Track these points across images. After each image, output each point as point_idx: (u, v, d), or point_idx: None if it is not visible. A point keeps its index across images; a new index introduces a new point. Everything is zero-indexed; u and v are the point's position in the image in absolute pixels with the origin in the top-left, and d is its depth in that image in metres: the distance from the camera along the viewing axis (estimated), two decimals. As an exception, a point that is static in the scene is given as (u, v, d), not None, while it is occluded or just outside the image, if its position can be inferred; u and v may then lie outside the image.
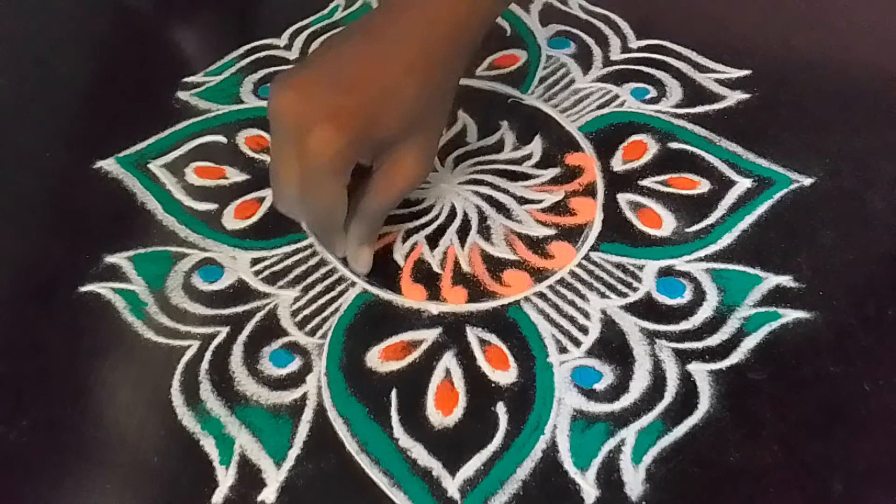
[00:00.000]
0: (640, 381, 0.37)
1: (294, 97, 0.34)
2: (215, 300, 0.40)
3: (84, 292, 0.40)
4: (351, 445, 0.35)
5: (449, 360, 0.37)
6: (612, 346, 0.38)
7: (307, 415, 0.36)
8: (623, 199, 0.44)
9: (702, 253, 0.41)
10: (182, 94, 0.50)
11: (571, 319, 0.39)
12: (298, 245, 0.42)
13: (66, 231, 0.44)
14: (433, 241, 0.42)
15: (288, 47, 0.53)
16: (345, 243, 0.40)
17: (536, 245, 0.42)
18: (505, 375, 0.37)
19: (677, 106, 0.48)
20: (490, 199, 0.44)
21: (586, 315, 0.39)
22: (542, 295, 0.40)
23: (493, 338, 0.38)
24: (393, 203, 0.38)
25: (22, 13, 0.56)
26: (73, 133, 0.49)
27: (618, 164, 0.46)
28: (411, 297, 0.40)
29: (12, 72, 0.52)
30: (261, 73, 0.51)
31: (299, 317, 0.39)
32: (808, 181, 0.44)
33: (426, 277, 0.41)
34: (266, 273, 0.41)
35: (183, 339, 0.38)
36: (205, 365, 0.37)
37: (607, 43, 0.52)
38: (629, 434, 0.35)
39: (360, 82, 0.34)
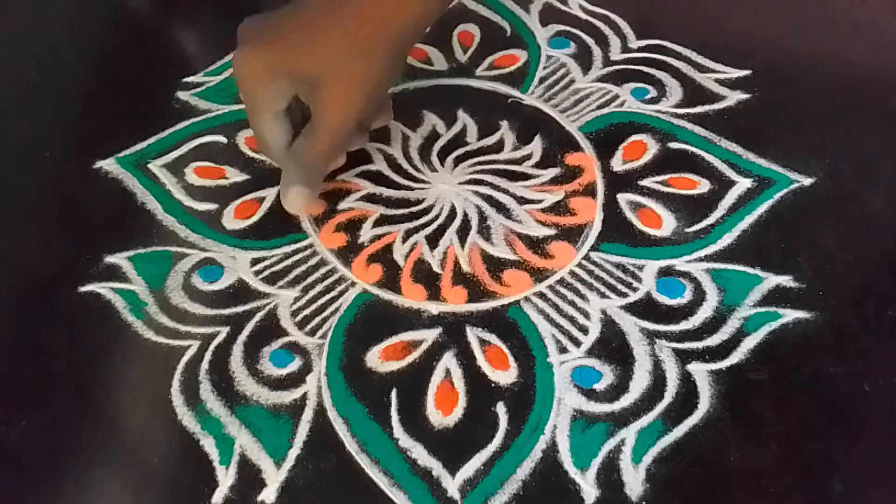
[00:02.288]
0: (640, 381, 0.37)
1: (244, 48, 0.39)
2: (215, 300, 0.40)
3: (84, 292, 0.40)
4: (351, 445, 0.35)
5: (449, 360, 0.37)
6: (612, 346, 0.38)
7: (307, 415, 0.36)
8: (623, 199, 0.44)
9: (702, 253, 0.41)
10: (182, 94, 0.50)
11: (571, 319, 0.39)
12: (298, 245, 0.42)
13: (66, 231, 0.43)
14: (433, 241, 0.42)
15: (288, 47, 0.53)
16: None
17: (536, 245, 0.42)
18: (505, 375, 0.37)
19: (677, 106, 0.48)
20: (490, 199, 0.44)
21: (586, 315, 0.39)
22: (542, 295, 0.40)
23: (493, 338, 0.38)
24: (318, 146, 0.40)
25: (22, 13, 0.56)
26: (73, 133, 0.49)
27: (618, 164, 0.46)
28: (411, 297, 0.40)
29: (12, 72, 0.52)
30: (261, 73, 0.51)
31: (299, 317, 0.39)
32: (808, 181, 0.44)
33: (426, 277, 0.41)
34: (266, 273, 0.41)
35: (183, 339, 0.38)
36: (205, 365, 0.37)
37: (607, 43, 0.52)
38: (629, 434, 0.35)
39: (292, 27, 0.39)
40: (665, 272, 0.41)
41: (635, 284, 0.40)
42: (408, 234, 0.43)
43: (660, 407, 0.36)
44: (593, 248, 0.42)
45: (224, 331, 0.39)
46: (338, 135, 0.40)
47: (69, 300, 0.40)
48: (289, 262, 0.42)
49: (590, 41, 0.52)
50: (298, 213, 0.43)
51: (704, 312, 0.39)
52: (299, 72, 0.38)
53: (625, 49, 0.52)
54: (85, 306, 0.40)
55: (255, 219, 0.43)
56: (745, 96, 0.49)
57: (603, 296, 0.40)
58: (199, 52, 0.54)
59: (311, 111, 0.40)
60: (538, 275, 0.41)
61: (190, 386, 0.37)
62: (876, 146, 0.46)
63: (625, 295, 0.40)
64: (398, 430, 0.35)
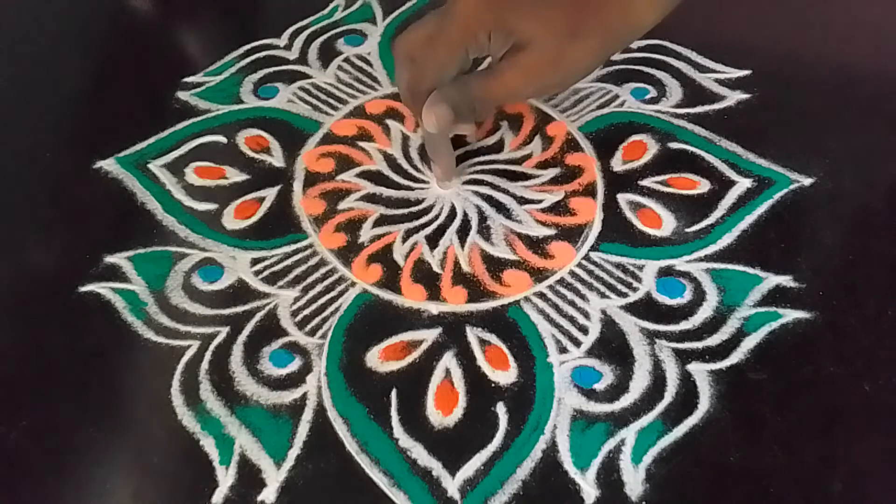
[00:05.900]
0: (640, 381, 0.37)
1: None
2: (215, 300, 0.40)
3: (84, 292, 0.40)
4: (351, 445, 0.35)
5: (449, 360, 0.37)
6: (612, 346, 0.38)
7: (307, 415, 0.36)
8: (623, 199, 0.44)
9: (702, 253, 0.41)
10: (182, 94, 0.50)
11: (571, 319, 0.39)
12: (298, 245, 0.42)
13: (66, 231, 0.43)
14: (433, 241, 0.42)
15: (288, 47, 0.53)
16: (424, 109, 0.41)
17: (536, 245, 0.42)
18: (505, 375, 0.37)
19: (677, 106, 0.48)
20: (490, 199, 0.44)
21: (586, 315, 0.39)
22: (542, 295, 0.40)
23: (493, 338, 0.38)
24: (490, 91, 0.40)
25: (22, 13, 0.56)
26: (73, 133, 0.49)
27: (618, 164, 0.46)
28: (411, 297, 0.40)
29: (12, 72, 0.52)
30: (261, 73, 0.51)
31: (299, 317, 0.39)
32: (808, 181, 0.44)
33: (426, 277, 0.41)
34: (266, 273, 0.41)
35: (183, 339, 0.38)
36: (205, 365, 0.37)
37: (607, 43, 0.52)
38: (629, 434, 0.35)
39: None
40: (665, 272, 0.41)
41: (635, 284, 0.40)
42: (408, 234, 0.43)
43: (660, 407, 0.36)
44: (593, 248, 0.42)
45: (224, 331, 0.39)
46: (510, 96, 0.40)
47: (69, 300, 0.40)
48: (289, 262, 0.42)
49: (590, 41, 0.52)
50: (432, 130, 0.41)
51: (704, 312, 0.39)
52: (515, 29, 0.38)
53: (625, 49, 0.52)
54: (85, 306, 0.40)
55: (255, 219, 0.43)
56: (745, 96, 0.49)
57: (603, 296, 0.40)
58: (199, 52, 0.54)
59: (499, 66, 0.39)
60: (538, 275, 0.41)
61: (190, 386, 0.37)
62: (876, 146, 0.46)
63: (625, 295, 0.40)
64: (398, 430, 0.35)
